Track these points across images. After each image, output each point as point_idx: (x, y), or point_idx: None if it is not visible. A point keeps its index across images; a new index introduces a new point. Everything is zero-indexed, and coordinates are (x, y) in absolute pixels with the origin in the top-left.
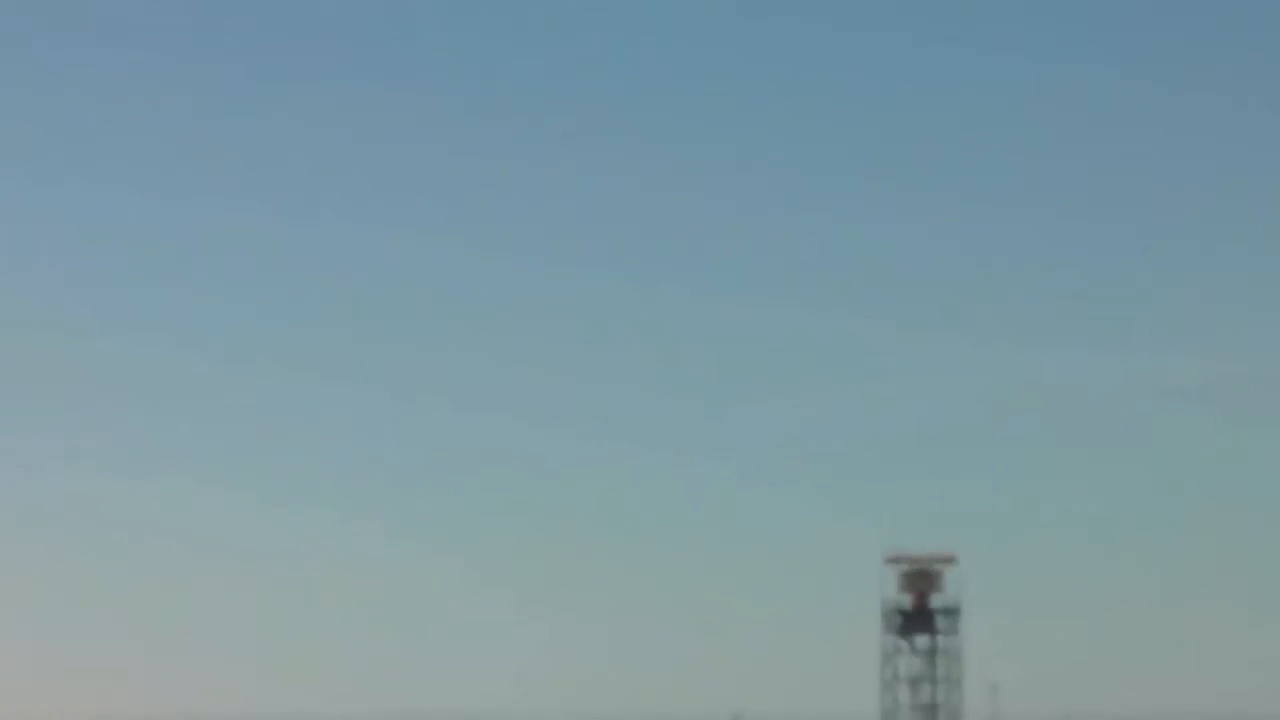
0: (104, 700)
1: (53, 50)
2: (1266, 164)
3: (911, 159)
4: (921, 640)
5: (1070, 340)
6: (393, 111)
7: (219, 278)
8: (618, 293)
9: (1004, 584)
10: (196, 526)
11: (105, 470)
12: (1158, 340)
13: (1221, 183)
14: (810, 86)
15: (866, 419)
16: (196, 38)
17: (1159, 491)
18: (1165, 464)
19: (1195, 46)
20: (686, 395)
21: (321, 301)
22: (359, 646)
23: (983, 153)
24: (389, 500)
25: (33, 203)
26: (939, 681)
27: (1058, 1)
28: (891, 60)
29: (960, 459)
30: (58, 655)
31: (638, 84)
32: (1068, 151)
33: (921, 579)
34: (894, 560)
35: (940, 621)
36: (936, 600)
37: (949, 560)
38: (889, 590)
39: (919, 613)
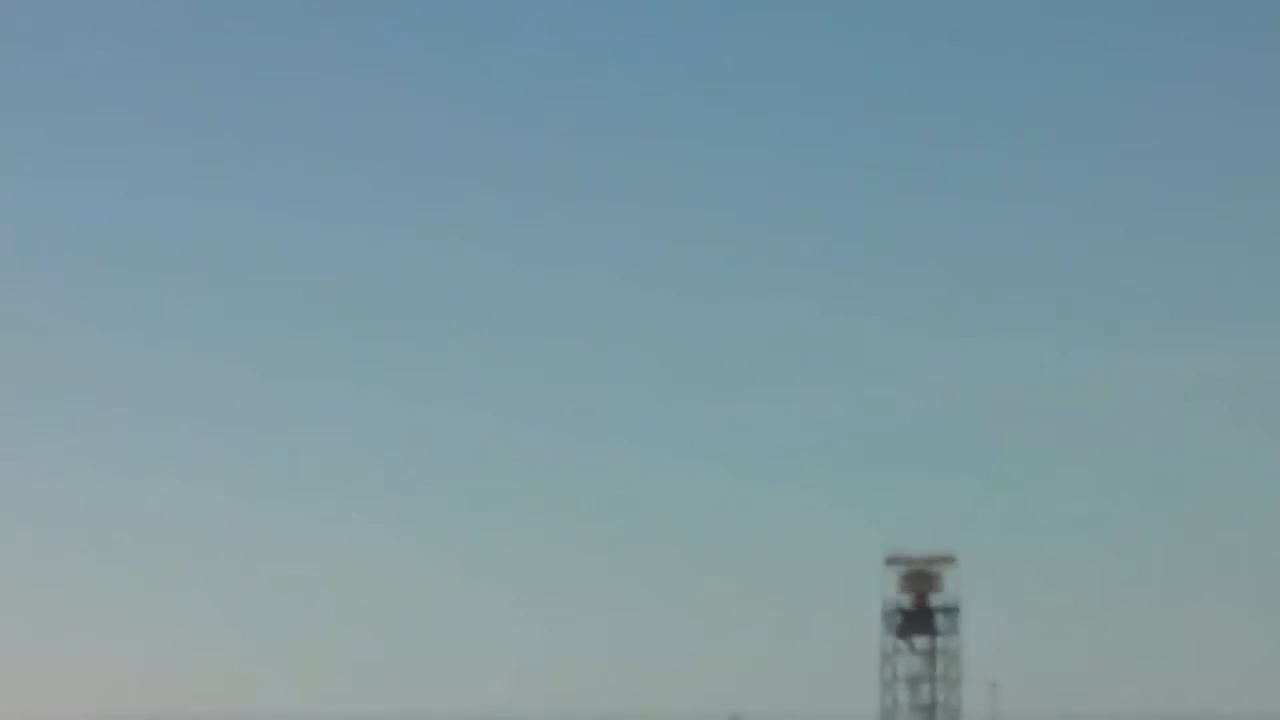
0: (104, 700)
1: (53, 51)
2: (1266, 163)
3: (911, 159)
4: (921, 640)
5: (1071, 340)
6: (393, 111)
7: (219, 278)
8: (617, 293)
9: (1003, 584)
10: (196, 526)
11: (105, 470)
12: (1158, 340)
13: (1221, 182)
14: (810, 86)
15: (866, 419)
16: (196, 38)
17: (1159, 491)
18: (1165, 464)
19: (1194, 46)
20: (685, 395)
21: (321, 301)
22: (358, 646)
23: (983, 153)
24: (388, 500)
25: (33, 203)
26: (938, 681)
27: (1058, 1)
28: (891, 60)
29: (960, 459)
30: (58, 655)
31: (638, 84)
32: (1067, 151)
33: (921, 579)
34: (894, 560)
35: (940, 621)
36: (936, 600)
37: (949, 560)
38: (889, 590)
39: (919, 613)
